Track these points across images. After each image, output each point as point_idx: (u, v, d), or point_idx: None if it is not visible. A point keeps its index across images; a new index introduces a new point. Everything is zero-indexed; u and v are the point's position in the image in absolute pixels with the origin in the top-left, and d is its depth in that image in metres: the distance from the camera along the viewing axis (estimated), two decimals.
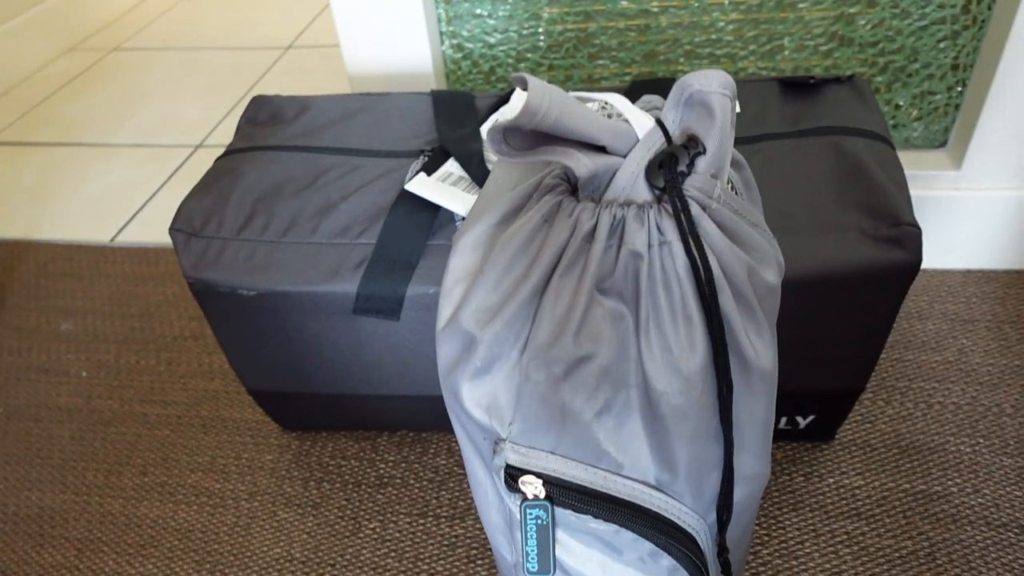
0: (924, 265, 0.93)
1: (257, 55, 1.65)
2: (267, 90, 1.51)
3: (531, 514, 0.35)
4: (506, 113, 0.68)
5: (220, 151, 1.34)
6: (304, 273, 0.60)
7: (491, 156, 0.63)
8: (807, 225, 0.57)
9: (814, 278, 0.55)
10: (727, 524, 0.40)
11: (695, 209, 0.34)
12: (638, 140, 0.35)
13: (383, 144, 0.68)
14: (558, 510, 0.36)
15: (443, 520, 0.73)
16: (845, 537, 0.67)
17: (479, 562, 0.69)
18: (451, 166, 0.64)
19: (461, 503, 0.74)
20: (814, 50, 0.84)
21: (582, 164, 0.34)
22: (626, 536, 0.37)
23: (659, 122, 0.35)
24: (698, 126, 0.34)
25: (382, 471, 0.78)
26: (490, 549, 0.70)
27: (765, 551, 0.67)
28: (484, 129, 0.67)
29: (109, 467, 0.82)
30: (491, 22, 0.86)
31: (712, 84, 0.33)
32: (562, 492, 0.36)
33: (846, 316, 0.59)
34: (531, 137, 0.35)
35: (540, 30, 0.87)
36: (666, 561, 0.38)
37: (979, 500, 0.69)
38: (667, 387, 0.34)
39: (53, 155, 1.38)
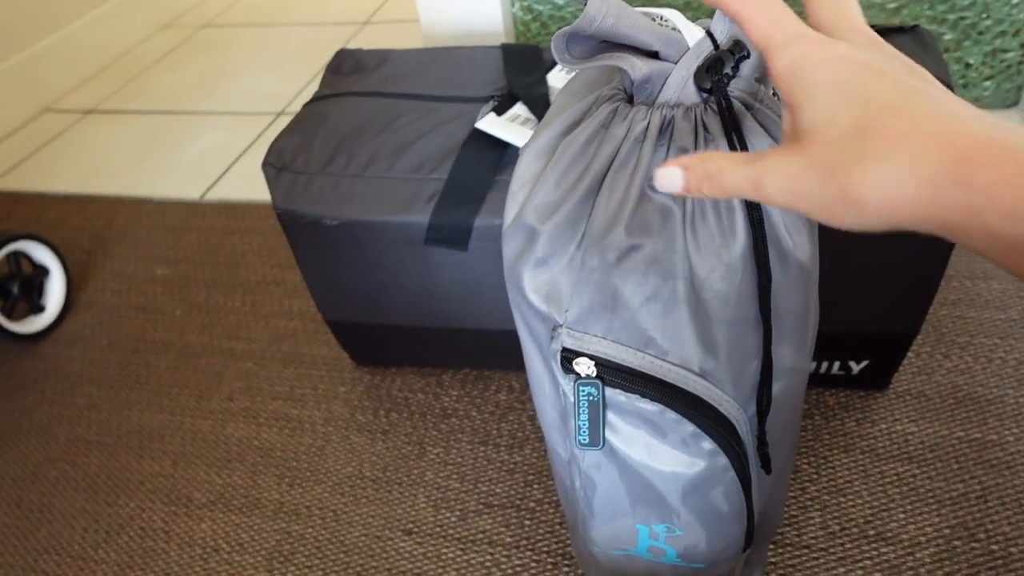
0: None
1: (335, 30, 1.73)
2: None
3: (583, 391, 0.39)
4: None
5: None
6: (381, 205, 0.66)
7: (556, 85, 0.67)
8: None
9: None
10: (766, 414, 0.43)
11: (739, 108, 0.37)
12: (688, 48, 0.38)
13: (455, 91, 0.73)
14: (608, 390, 0.40)
15: (503, 448, 0.77)
16: (895, 478, 0.69)
17: (535, 486, 0.73)
18: (519, 108, 0.68)
19: (520, 434, 0.78)
20: (881, 7, 0.84)
21: (636, 67, 0.37)
22: (670, 417, 0.40)
23: (708, 32, 0.38)
24: (743, 34, 0.37)
25: (446, 404, 0.83)
26: (546, 474, 0.74)
27: (813, 487, 0.69)
28: (550, 77, 0.70)
29: (200, 393, 0.90)
30: None
31: None
32: (612, 373, 0.39)
33: (899, 250, 0.60)
34: (591, 46, 0.39)
35: None
36: (707, 444, 0.41)
37: None
38: (710, 273, 0.37)
39: (149, 121, 1.49)
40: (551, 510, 0.71)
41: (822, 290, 0.47)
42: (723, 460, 0.42)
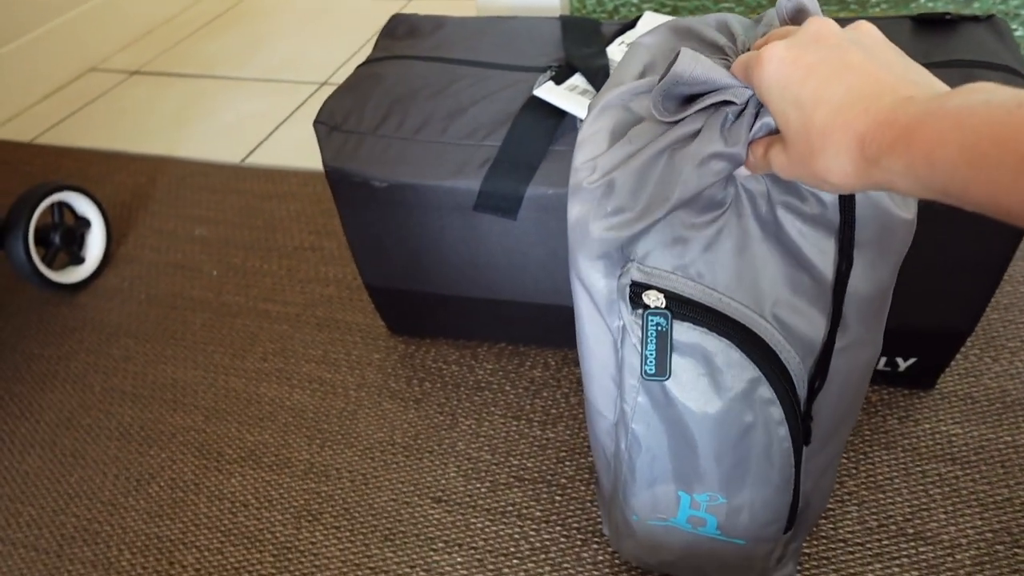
0: None
1: (384, 3, 1.72)
2: None
3: (652, 321, 0.39)
4: (634, 36, 0.71)
5: None
6: (432, 169, 0.65)
7: (616, 59, 0.65)
8: None
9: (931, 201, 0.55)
10: (818, 392, 0.42)
11: None
12: None
13: (512, 59, 0.72)
14: (676, 325, 0.39)
15: (535, 424, 0.77)
16: (937, 478, 0.67)
17: (567, 463, 0.73)
18: (578, 79, 0.67)
19: (553, 411, 0.78)
20: (951, 0, 0.82)
21: (739, 93, 0.36)
22: (733, 356, 0.40)
23: None
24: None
25: (480, 377, 0.82)
26: (579, 452, 0.73)
27: (851, 482, 0.68)
28: (610, 50, 0.69)
29: (234, 352, 0.90)
30: None
31: None
32: (681, 306, 0.39)
33: (961, 247, 0.58)
34: (679, 99, 0.38)
35: None
36: (765, 392, 0.41)
37: None
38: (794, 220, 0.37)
39: (192, 85, 1.50)
40: (582, 487, 0.71)
41: None
42: (778, 412, 0.41)
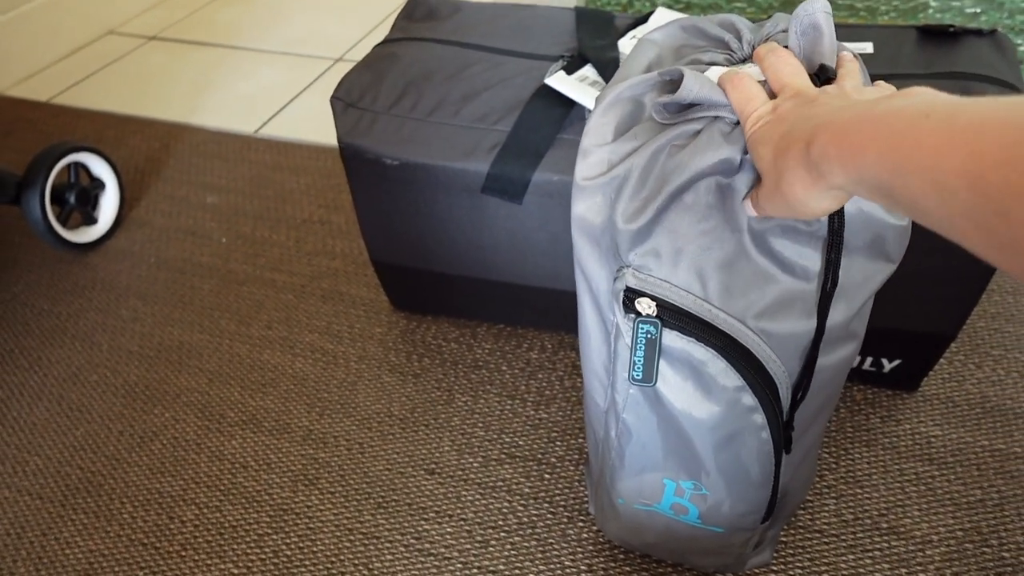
0: None
1: None
2: None
3: (642, 328, 0.41)
4: (645, 30, 0.72)
5: None
6: (443, 150, 0.67)
7: (627, 52, 0.67)
8: None
9: None
10: (800, 402, 0.44)
11: None
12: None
13: (526, 47, 0.74)
14: (664, 333, 0.41)
15: (529, 404, 0.79)
16: (914, 476, 0.69)
17: (558, 443, 0.75)
18: (588, 70, 0.68)
19: (548, 392, 0.80)
20: (959, 11, 0.84)
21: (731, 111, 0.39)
22: (719, 366, 0.42)
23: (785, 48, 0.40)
24: (815, 45, 0.39)
25: (478, 355, 0.84)
26: (570, 433, 0.76)
27: (831, 475, 0.70)
28: (621, 43, 0.71)
29: (240, 318, 0.92)
30: None
31: (816, 6, 0.39)
32: (671, 315, 0.41)
33: (951, 252, 0.60)
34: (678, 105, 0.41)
35: None
36: (748, 400, 0.43)
37: None
38: (782, 238, 0.38)
39: (210, 53, 1.51)
40: (571, 467, 0.73)
41: None
42: (760, 418, 0.44)
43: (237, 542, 0.69)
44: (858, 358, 0.73)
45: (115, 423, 0.81)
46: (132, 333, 0.91)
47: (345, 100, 0.71)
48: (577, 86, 0.66)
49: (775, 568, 0.64)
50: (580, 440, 0.75)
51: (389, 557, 0.67)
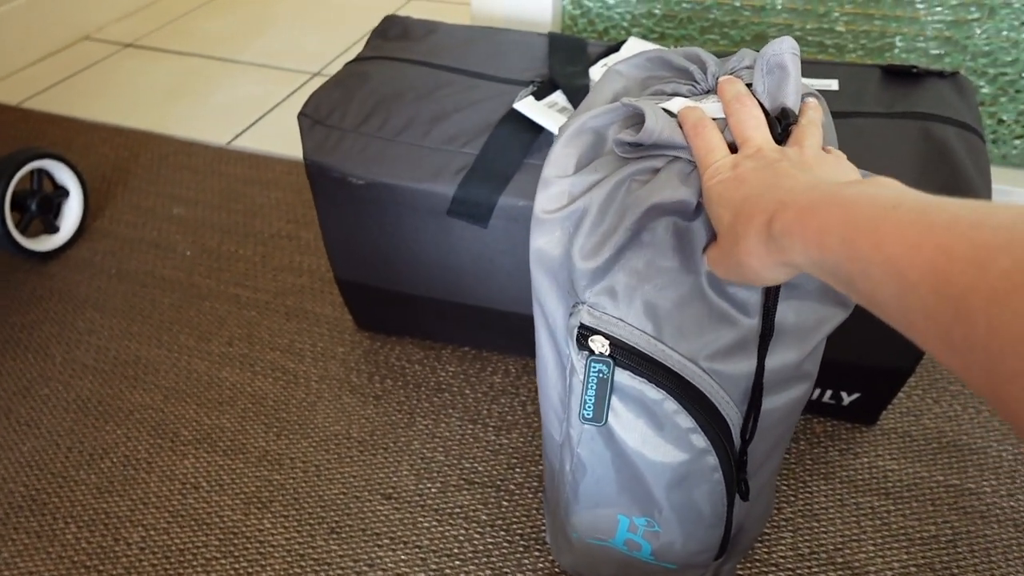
0: None
1: (383, 0, 1.73)
2: None
3: (595, 367, 0.40)
4: (617, 59, 0.73)
5: None
6: (410, 170, 0.66)
7: (596, 78, 0.68)
8: None
9: None
10: (749, 442, 0.44)
11: None
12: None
13: (498, 71, 0.74)
14: (617, 372, 0.41)
15: (491, 429, 0.78)
16: (870, 511, 0.70)
17: (517, 469, 0.74)
18: (558, 96, 0.68)
19: (510, 417, 0.79)
20: (924, 52, 0.85)
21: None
22: (670, 407, 0.41)
23: (748, 85, 0.40)
24: (780, 85, 0.39)
25: (441, 378, 0.84)
26: (530, 460, 0.75)
27: (789, 509, 0.70)
28: (592, 70, 0.71)
29: (200, 334, 0.90)
30: None
31: (783, 47, 0.40)
32: (624, 355, 0.40)
33: None
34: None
35: None
36: (700, 442, 0.42)
37: (1011, 503, 0.70)
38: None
39: (186, 63, 1.50)
40: (530, 495, 0.72)
41: None
42: (712, 460, 0.43)
43: (184, 566, 0.67)
44: (817, 390, 0.74)
45: (64, 439, 0.79)
46: (88, 346, 0.89)
47: (313, 117, 0.70)
48: (546, 112, 0.66)
49: None
50: (540, 467, 0.75)
51: None
